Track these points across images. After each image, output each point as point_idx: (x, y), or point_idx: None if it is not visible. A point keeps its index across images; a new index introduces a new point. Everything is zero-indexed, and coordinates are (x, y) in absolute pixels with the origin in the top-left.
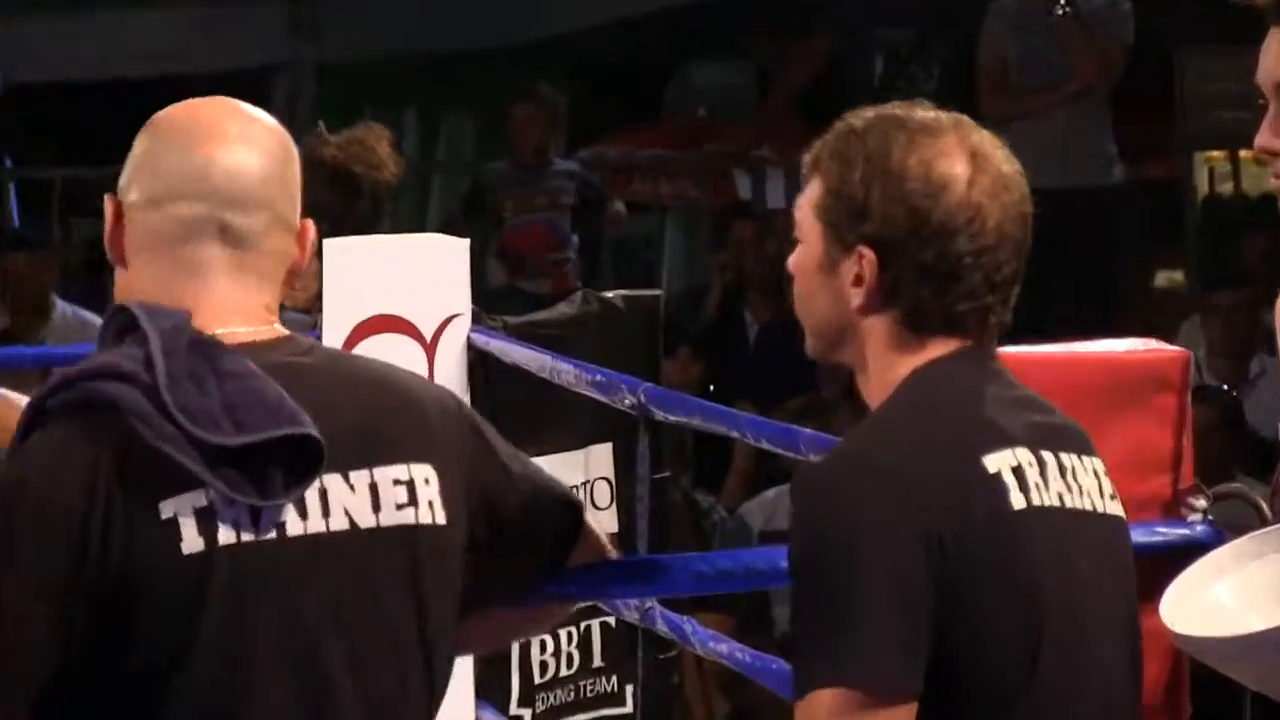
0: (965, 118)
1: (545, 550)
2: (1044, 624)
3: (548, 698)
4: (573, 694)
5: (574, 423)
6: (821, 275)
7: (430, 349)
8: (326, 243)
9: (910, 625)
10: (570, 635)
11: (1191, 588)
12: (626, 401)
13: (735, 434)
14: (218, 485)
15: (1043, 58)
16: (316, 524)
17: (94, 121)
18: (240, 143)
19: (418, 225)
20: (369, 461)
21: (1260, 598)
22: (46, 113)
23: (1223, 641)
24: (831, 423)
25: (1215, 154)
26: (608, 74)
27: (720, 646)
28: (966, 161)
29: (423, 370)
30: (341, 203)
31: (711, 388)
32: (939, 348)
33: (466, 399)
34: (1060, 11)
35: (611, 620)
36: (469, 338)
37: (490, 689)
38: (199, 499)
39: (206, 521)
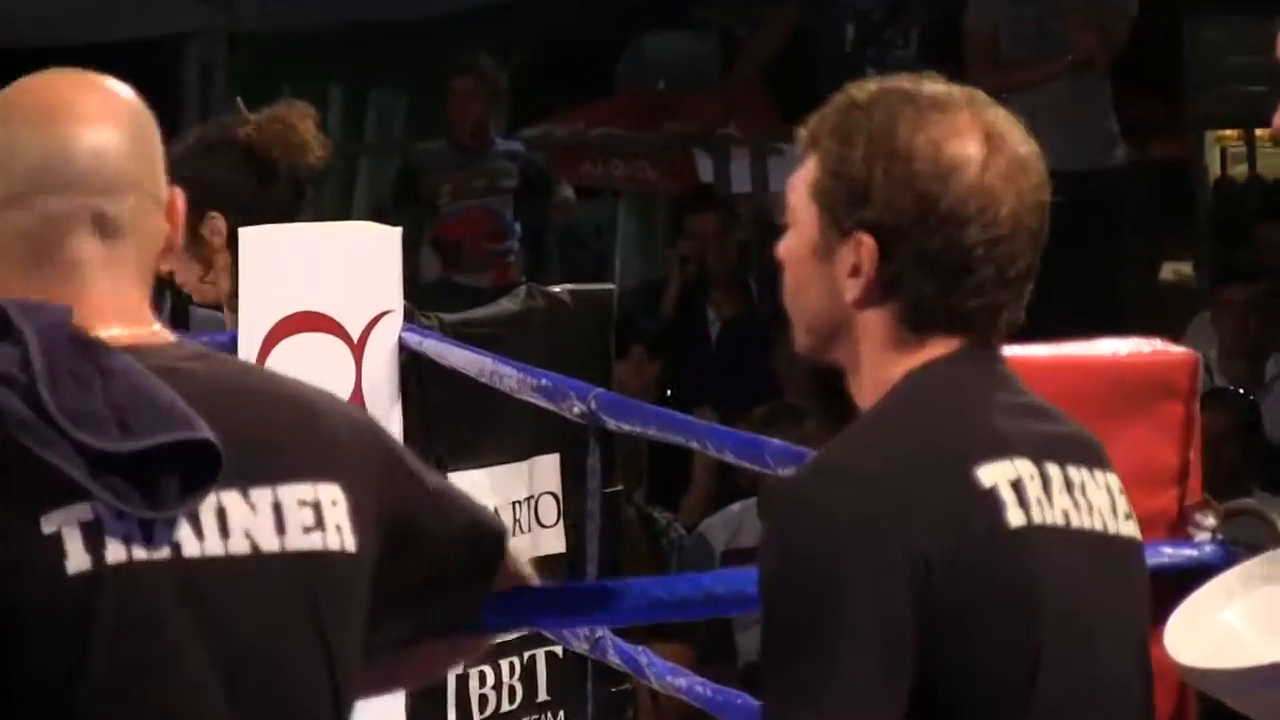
0: (980, 92)
1: (471, 579)
2: (1042, 652)
3: None
4: None
5: (517, 432)
6: (815, 264)
7: (357, 350)
8: (242, 232)
9: (893, 661)
10: (513, 666)
11: (1199, 614)
12: (575, 409)
13: (695, 444)
14: (105, 496)
15: (1036, 26)
16: (214, 545)
17: None
18: (100, 119)
19: (344, 213)
20: (271, 479)
21: (1275, 625)
22: None
23: (1233, 674)
24: (802, 432)
25: (1228, 133)
26: (555, 44)
27: (678, 680)
28: (981, 142)
29: (350, 374)
30: (256, 188)
31: (669, 392)
32: (940, 347)
33: (397, 405)
34: None
35: (559, 650)
36: (400, 337)
37: None
38: (85, 512)
39: (93, 537)
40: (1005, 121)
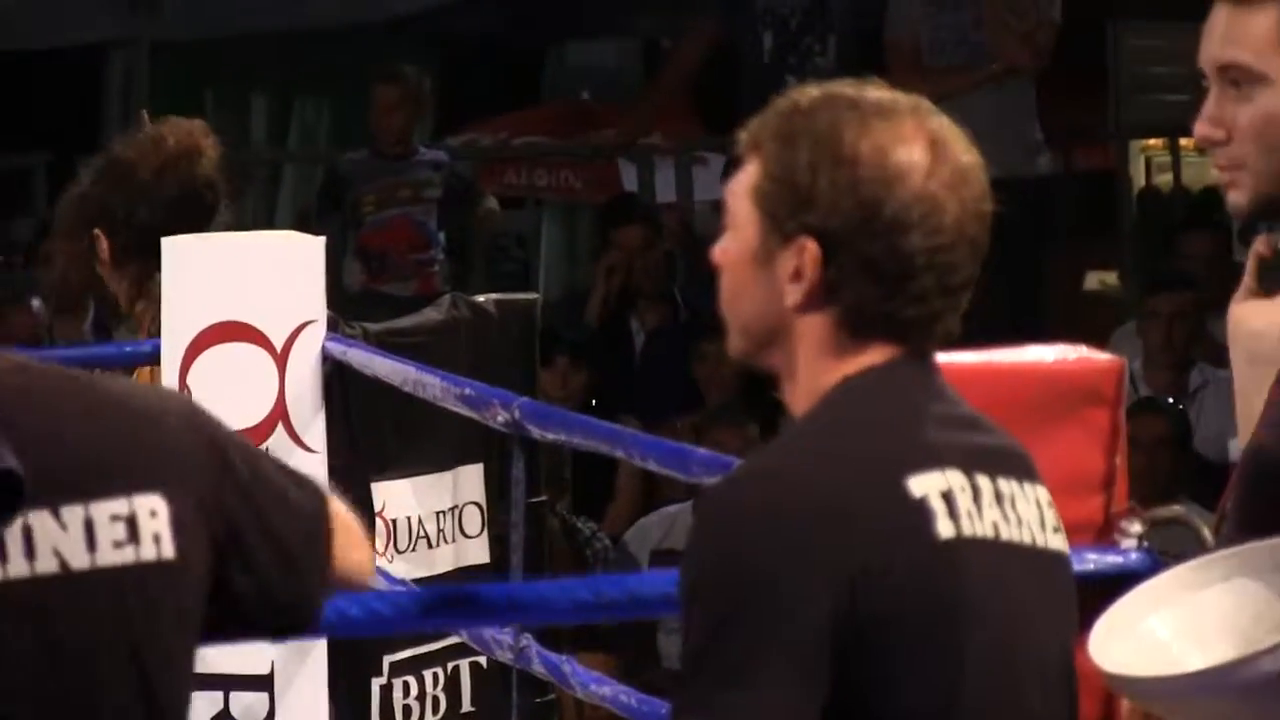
0: (924, 100)
1: (312, 563)
2: (966, 665)
3: None
4: None
5: (441, 442)
6: (755, 267)
7: (281, 359)
8: (165, 242)
9: (809, 670)
10: (436, 677)
11: (1125, 621)
12: (499, 418)
13: (620, 453)
14: None
15: (959, 34)
16: (19, 567)
17: None
18: None
19: (267, 221)
20: (84, 495)
21: (1202, 633)
22: None
23: (1160, 681)
24: (745, 437)
25: (1153, 142)
26: (479, 53)
27: (603, 689)
28: (925, 149)
29: (273, 384)
30: (126, 206)
31: (593, 402)
32: (877, 354)
33: (320, 415)
34: None
35: (482, 660)
36: (324, 347)
37: None
38: None
39: None
40: (949, 130)
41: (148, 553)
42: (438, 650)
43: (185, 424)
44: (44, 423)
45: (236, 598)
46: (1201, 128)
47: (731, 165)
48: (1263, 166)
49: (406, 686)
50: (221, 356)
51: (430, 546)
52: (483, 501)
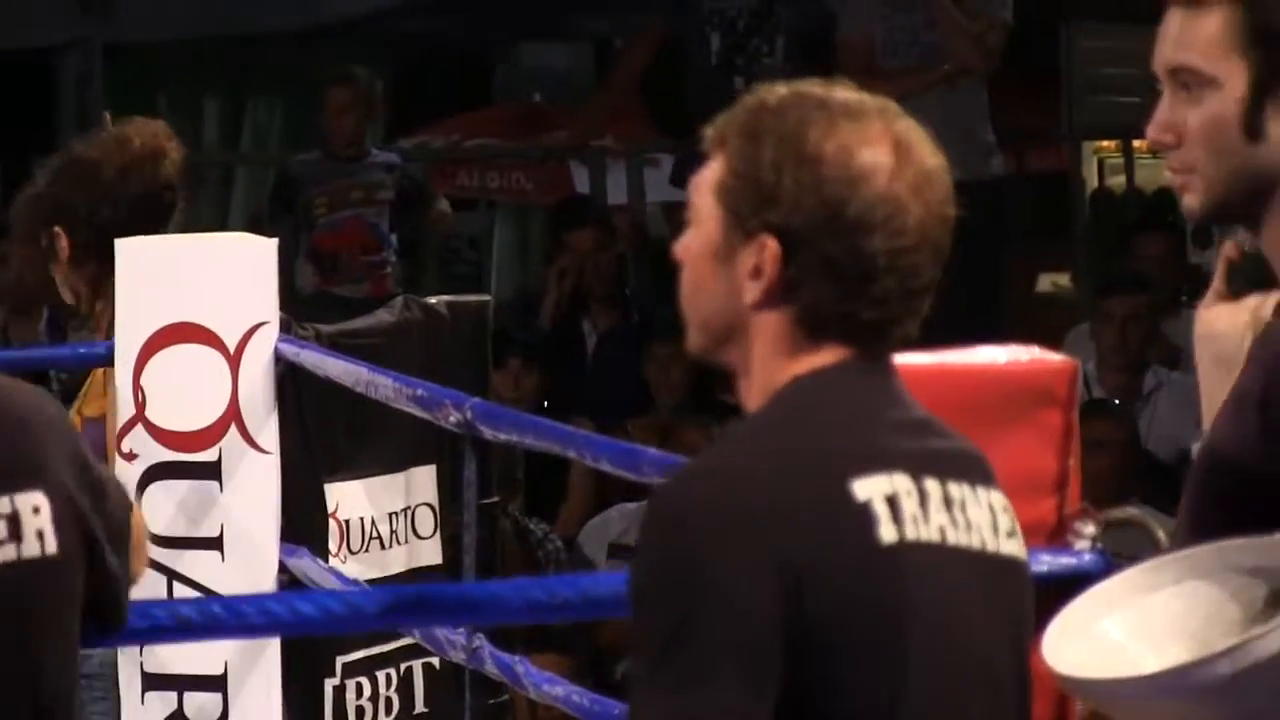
0: (891, 103)
1: (127, 564)
2: (908, 669)
3: None
4: None
5: (394, 442)
6: (715, 263)
7: (234, 361)
8: (118, 243)
9: (759, 671)
10: (389, 678)
11: (1078, 623)
12: (452, 418)
13: (573, 453)
14: None
15: (911, 35)
16: None
17: None
18: None
19: (220, 223)
20: None
21: (1156, 635)
22: None
23: (1115, 684)
24: (693, 441)
25: (1106, 144)
26: (431, 55)
27: (556, 689)
28: (890, 151)
29: (226, 385)
30: (89, 204)
31: (544, 404)
32: (832, 355)
33: (273, 416)
34: None
35: (435, 661)
36: (277, 348)
37: None
38: None
39: None
40: (914, 132)
41: (30, 549)
42: (391, 651)
43: (57, 424)
44: None
45: (90, 596)
46: (1153, 132)
47: (681, 166)
48: (1213, 170)
49: (360, 687)
50: (175, 358)
51: (383, 548)
52: (435, 503)
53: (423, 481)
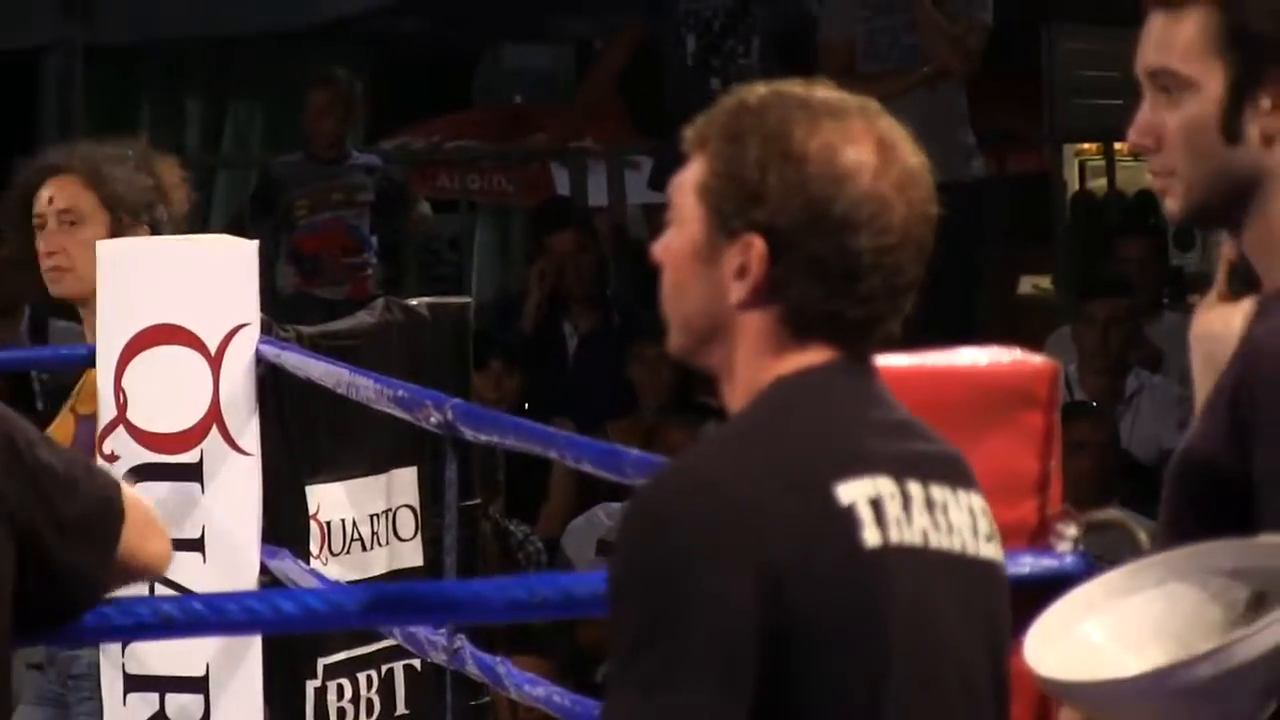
0: (872, 101)
1: (96, 549)
2: (889, 671)
3: None
4: None
5: (375, 445)
6: (699, 264)
7: (215, 362)
8: (100, 245)
9: (732, 673)
10: (370, 679)
11: (1059, 625)
12: (433, 420)
13: (554, 454)
14: None
15: (892, 38)
16: None
17: None
18: None
19: (201, 225)
20: None
21: (1136, 638)
22: None
23: (1095, 686)
24: (679, 441)
25: (1087, 147)
26: (412, 57)
27: (537, 690)
28: (874, 149)
29: (207, 386)
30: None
31: (525, 405)
32: (816, 355)
33: (255, 417)
34: None
35: (417, 663)
36: (258, 350)
37: None
38: None
39: None
40: (897, 131)
41: None
42: (372, 653)
43: None
44: None
45: (26, 583)
46: (1134, 134)
47: (661, 168)
48: (1192, 173)
49: (341, 689)
50: (156, 359)
51: (364, 549)
52: (416, 504)
53: (404, 483)
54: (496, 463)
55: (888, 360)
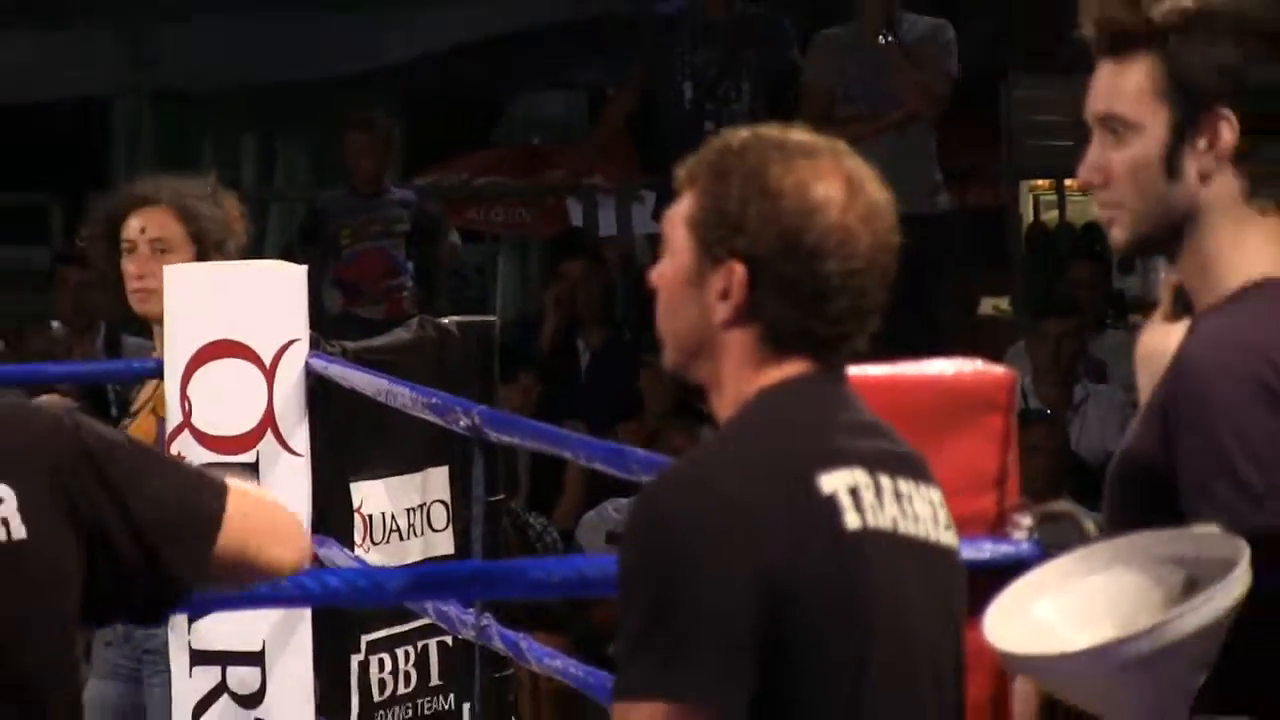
0: (841, 142)
1: (182, 553)
2: (871, 645)
3: (387, 715)
4: (410, 712)
5: (411, 446)
6: (688, 288)
7: (269, 374)
8: (167, 269)
9: (726, 651)
10: (408, 654)
11: (1016, 605)
12: (461, 424)
13: (568, 454)
14: None
15: (867, 85)
16: None
17: None
18: None
19: (256, 253)
20: None
21: (1086, 616)
22: None
23: (1048, 659)
24: (678, 443)
25: (1041, 182)
26: (443, 102)
27: (555, 663)
28: (842, 185)
29: (262, 395)
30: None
31: (544, 411)
32: (793, 367)
33: (304, 423)
34: (884, 40)
35: (449, 639)
36: (307, 363)
37: (331, 707)
38: None
39: None
40: (863, 169)
41: None
42: (409, 630)
43: (49, 430)
44: None
45: (100, 581)
46: (1083, 172)
47: (663, 202)
48: (1138, 207)
49: (381, 662)
50: (217, 371)
51: (401, 539)
52: (447, 499)
53: (436, 480)
54: (516, 462)
55: (868, 371)
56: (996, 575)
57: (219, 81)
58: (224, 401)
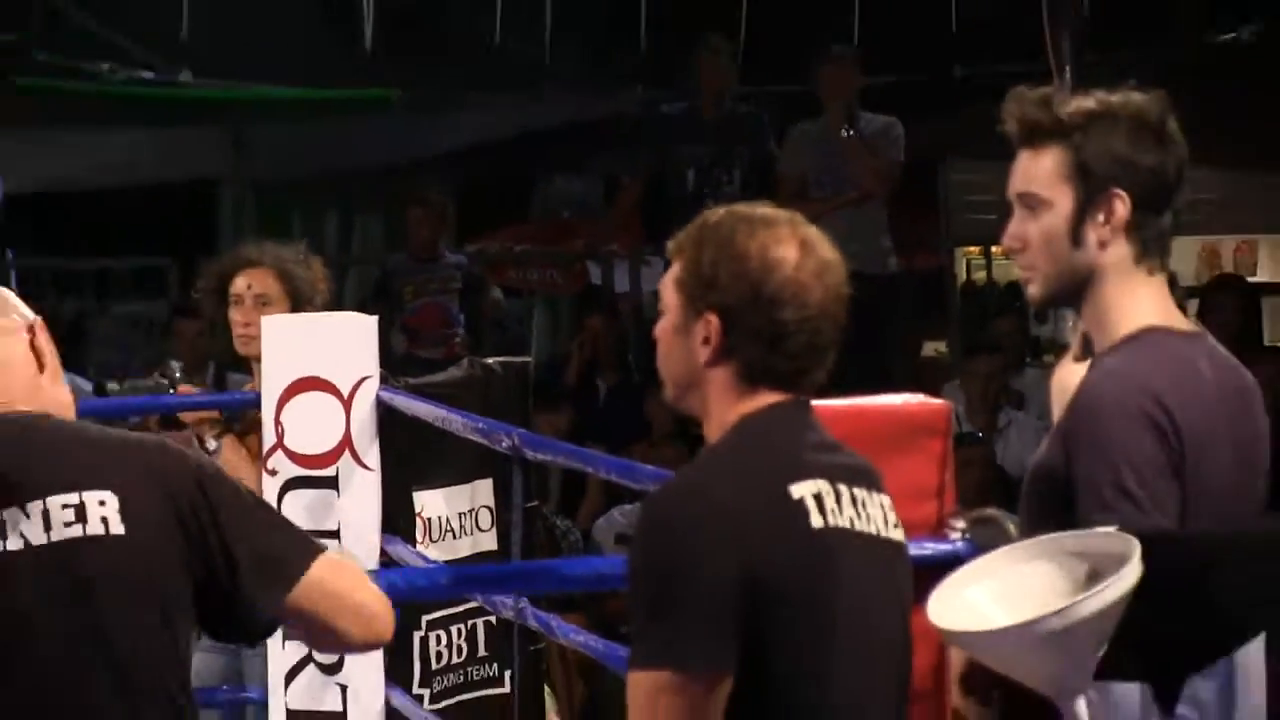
0: (798, 215)
1: (266, 593)
2: (837, 627)
3: (443, 680)
4: (462, 677)
5: (462, 462)
6: (679, 337)
7: (347, 404)
8: (265, 320)
9: (724, 626)
10: (460, 631)
11: (953, 591)
12: (503, 444)
13: (589, 469)
14: None
15: (831, 170)
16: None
17: (76, 221)
18: None
19: (336, 305)
20: (42, 494)
21: (1009, 600)
22: (38, 215)
23: (979, 635)
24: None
25: (972, 249)
26: (488, 184)
27: (579, 638)
28: (796, 248)
29: (341, 422)
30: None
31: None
32: (766, 398)
33: (375, 443)
34: (845, 134)
35: (493, 618)
36: (378, 395)
37: (397, 673)
38: None
39: None
40: (816, 234)
41: (95, 529)
42: (461, 611)
43: (163, 452)
44: (14, 453)
45: (202, 603)
46: (1006, 240)
47: (668, 267)
48: (1049, 269)
49: (439, 638)
50: (305, 401)
51: (454, 538)
52: (492, 505)
53: (483, 490)
54: (549, 475)
55: (830, 403)
56: (937, 569)
57: (305, 168)
58: (310, 426)
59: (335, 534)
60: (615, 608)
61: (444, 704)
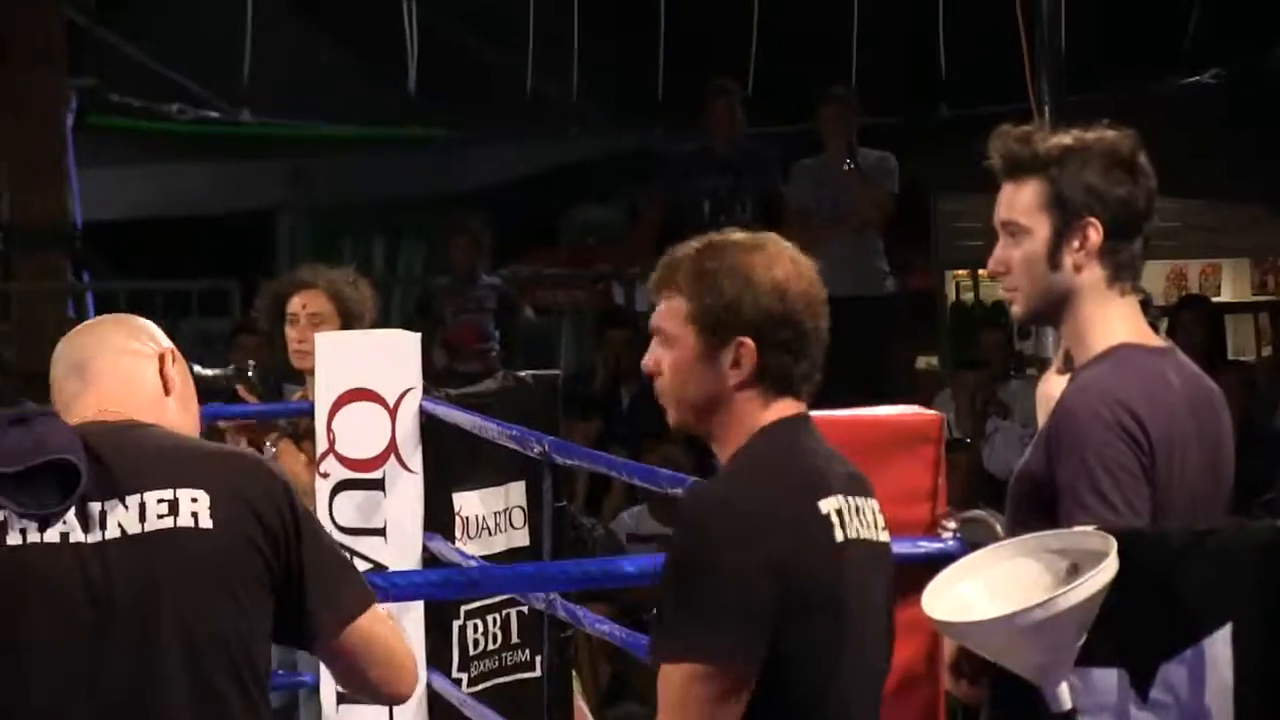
0: (773, 234)
1: (323, 614)
2: (845, 626)
3: (479, 665)
4: (497, 662)
5: (497, 466)
6: (700, 365)
7: (393, 413)
8: (318, 337)
9: (753, 626)
10: (495, 619)
11: (945, 585)
12: (535, 450)
13: (613, 472)
14: (8, 503)
15: (833, 201)
16: (95, 534)
17: (148, 247)
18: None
19: (383, 323)
20: (138, 489)
21: (996, 593)
22: (115, 242)
23: (968, 625)
24: (671, 455)
25: (961, 272)
26: (521, 212)
27: (604, 627)
28: (789, 263)
29: (387, 429)
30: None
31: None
32: (782, 409)
33: (418, 449)
34: (846, 167)
35: (525, 608)
36: (421, 405)
37: (438, 659)
38: None
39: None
40: (792, 248)
41: (185, 521)
42: (496, 602)
43: (252, 463)
44: (122, 454)
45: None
46: (992, 264)
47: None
48: (1030, 290)
49: (475, 626)
50: (355, 410)
51: (490, 535)
52: (524, 505)
53: (516, 492)
54: (576, 478)
55: (832, 413)
56: (930, 565)
57: (356, 199)
58: (359, 433)
59: (381, 531)
60: (637, 598)
61: (480, 687)
